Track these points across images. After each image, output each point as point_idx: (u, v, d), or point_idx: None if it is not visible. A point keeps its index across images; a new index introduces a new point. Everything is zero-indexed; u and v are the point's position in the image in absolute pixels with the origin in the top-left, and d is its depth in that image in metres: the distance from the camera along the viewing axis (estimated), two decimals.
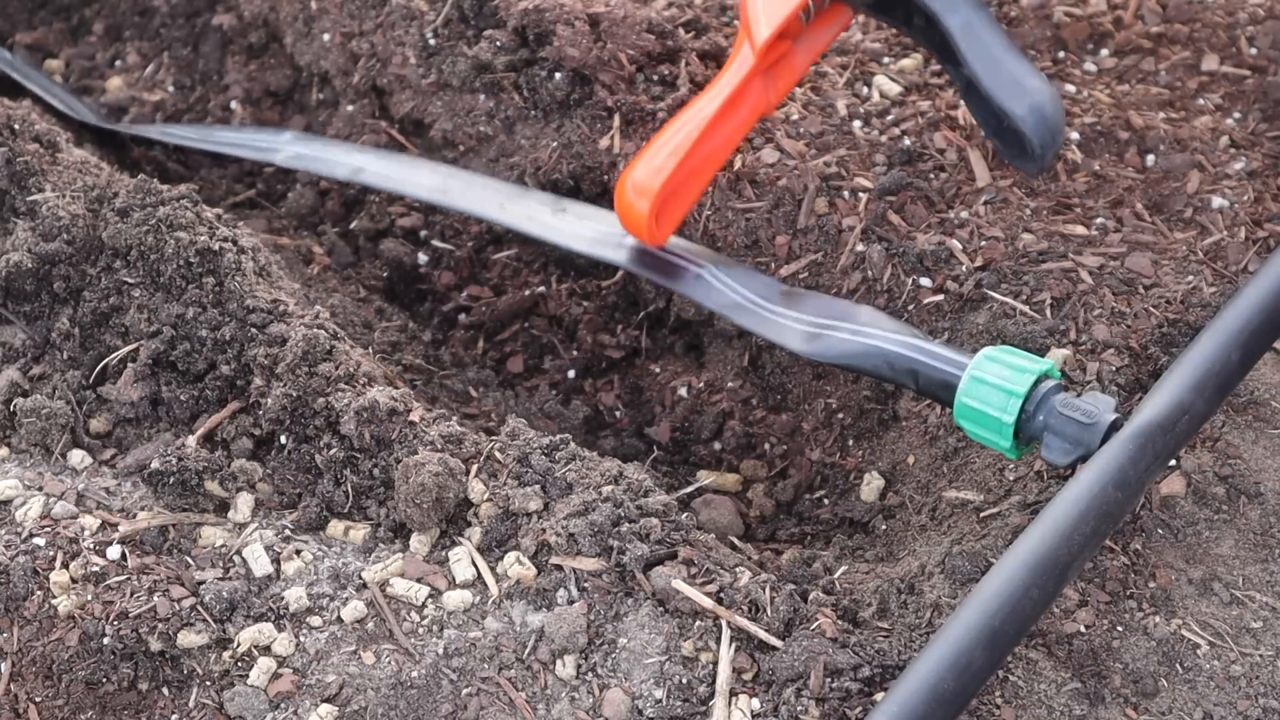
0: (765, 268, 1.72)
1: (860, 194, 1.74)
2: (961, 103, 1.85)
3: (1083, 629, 1.31)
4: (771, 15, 1.59)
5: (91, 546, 1.35)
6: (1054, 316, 1.56)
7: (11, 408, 1.51)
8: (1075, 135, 1.80)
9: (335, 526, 1.43)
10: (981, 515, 1.43)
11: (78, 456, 1.50)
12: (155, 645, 1.29)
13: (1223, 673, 1.29)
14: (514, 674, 1.28)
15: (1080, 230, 1.67)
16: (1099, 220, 1.69)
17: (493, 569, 1.36)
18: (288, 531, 1.42)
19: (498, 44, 1.93)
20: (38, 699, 1.29)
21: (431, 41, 1.99)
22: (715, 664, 1.27)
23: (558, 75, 1.88)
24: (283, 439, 1.49)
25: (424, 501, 1.37)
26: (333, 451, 1.45)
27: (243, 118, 2.21)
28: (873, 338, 1.43)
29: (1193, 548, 1.38)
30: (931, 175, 1.76)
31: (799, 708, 1.24)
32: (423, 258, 2.03)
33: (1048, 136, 1.56)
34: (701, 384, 1.84)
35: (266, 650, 1.30)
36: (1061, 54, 1.92)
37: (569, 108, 1.89)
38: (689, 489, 1.57)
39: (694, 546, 1.35)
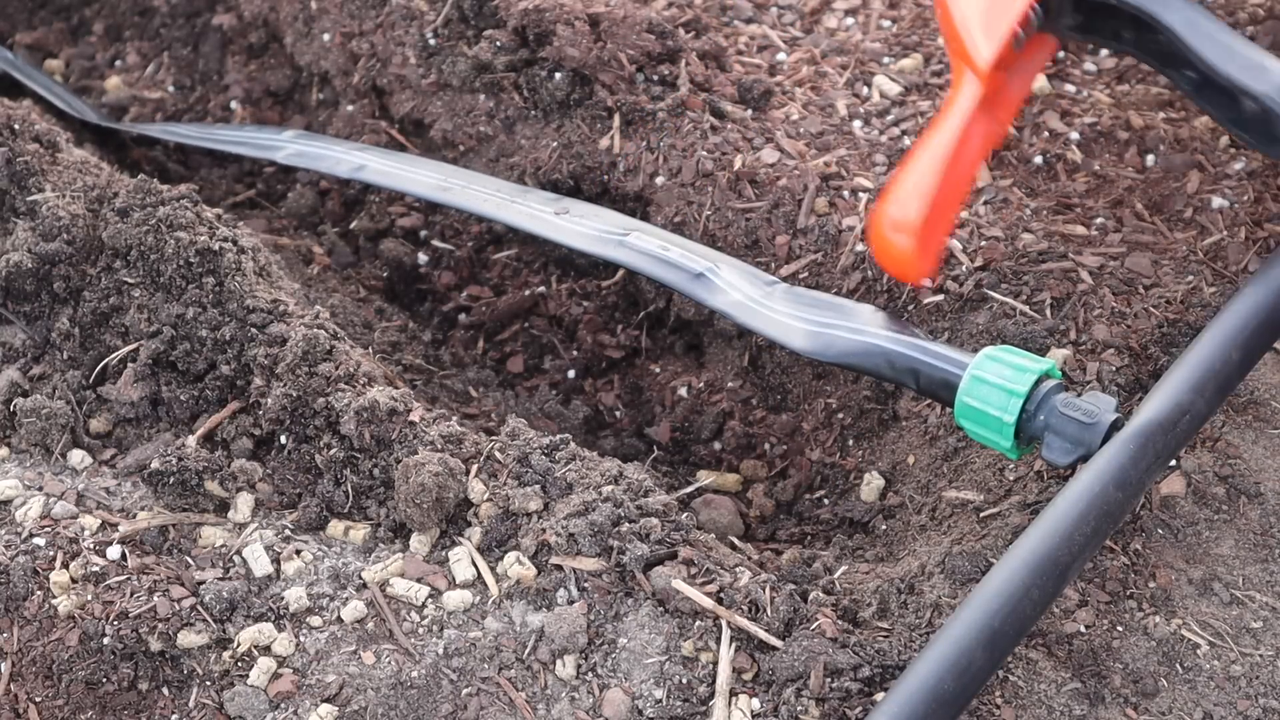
0: (765, 268, 1.72)
1: (860, 194, 1.74)
2: None
3: (1083, 629, 1.31)
4: (990, 39, 1.54)
5: (91, 546, 1.35)
6: (1054, 316, 1.56)
7: (11, 408, 1.51)
8: (1075, 135, 1.80)
9: (335, 526, 1.43)
10: (981, 515, 1.43)
11: (78, 456, 1.50)
12: (155, 645, 1.29)
13: (1223, 673, 1.29)
14: (514, 674, 1.28)
15: (1080, 230, 1.67)
16: (1099, 220, 1.69)
17: (493, 569, 1.36)
18: (288, 531, 1.42)
19: (498, 44, 1.93)
20: (38, 699, 1.29)
21: (431, 41, 1.99)
22: (715, 664, 1.27)
23: (558, 75, 1.88)
24: (283, 439, 1.49)
25: (424, 501, 1.37)
26: (333, 451, 1.45)
27: (243, 117, 2.21)
28: (874, 337, 1.43)
29: (1193, 548, 1.38)
30: None
31: (799, 708, 1.24)
32: (423, 258, 2.03)
33: None
34: (701, 384, 1.84)
35: (266, 650, 1.30)
36: (1061, 54, 1.92)
37: (569, 108, 1.89)
38: (689, 489, 1.56)
39: (694, 546, 1.35)
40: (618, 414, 1.84)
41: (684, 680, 1.27)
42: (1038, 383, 1.32)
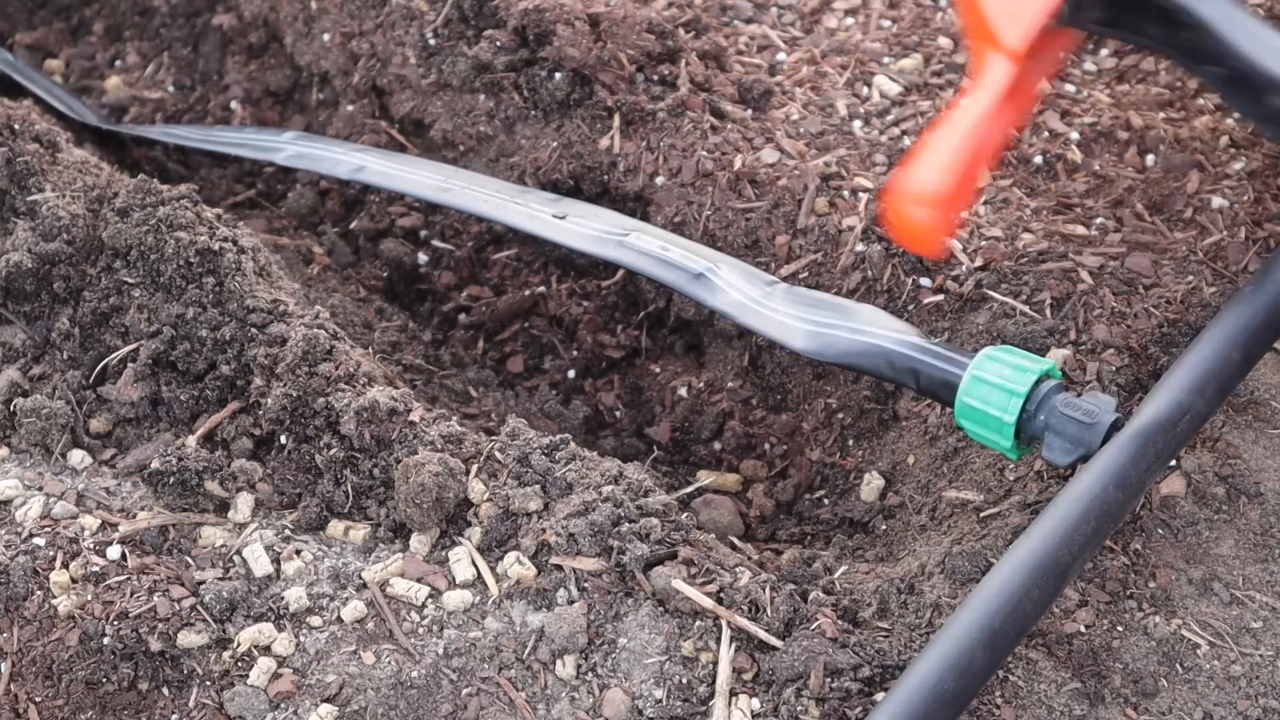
0: (765, 268, 1.72)
1: (860, 194, 1.74)
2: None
3: (1083, 629, 1.31)
4: (1023, 21, 1.53)
5: (91, 546, 1.35)
6: (1054, 316, 1.56)
7: (11, 408, 1.51)
8: (1075, 135, 1.80)
9: (335, 526, 1.43)
10: (981, 515, 1.43)
11: (78, 456, 1.50)
12: (155, 645, 1.29)
13: (1223, 673, 1.29)
14: (514, 674, 1.28)
15: (1080, 230, 1.67)
16: (1099, 220, 1.69)
17: (493, 569, 1.36)
18: (288, 531, 1.42)
19: (498, 44, 1.93)
20: (38, 699, 1.29)
21: (431, 41, 1.99)
22: (715, 664, 1.27)
23: (558, 75, 1.88)
24: (283, 439, 1.49)
25: (424, 501, 1.37)
26: (333, 451, 1.45)
27: (243, 118, 2.21)
28: (874, 337, 1.43)
29: (1193, 548, 1.38)
30: None
31: (799, 708, 1.24)
32: (423, 258, 2.03)
33: None
34: (701, 384, 1.84)
35: (266, 650, 1.30)
36: (1061, 54, 1.92)
37: (569, 108, 1.89)
38: (689, 489, 1.56)
39: (694, 546, 1.35)
40: (618, 414, 1.84)
41: (684, 680, 1.27)
42: (1038, 383, 1.32)
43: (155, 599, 1.31)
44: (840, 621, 1.30)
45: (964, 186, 1.49)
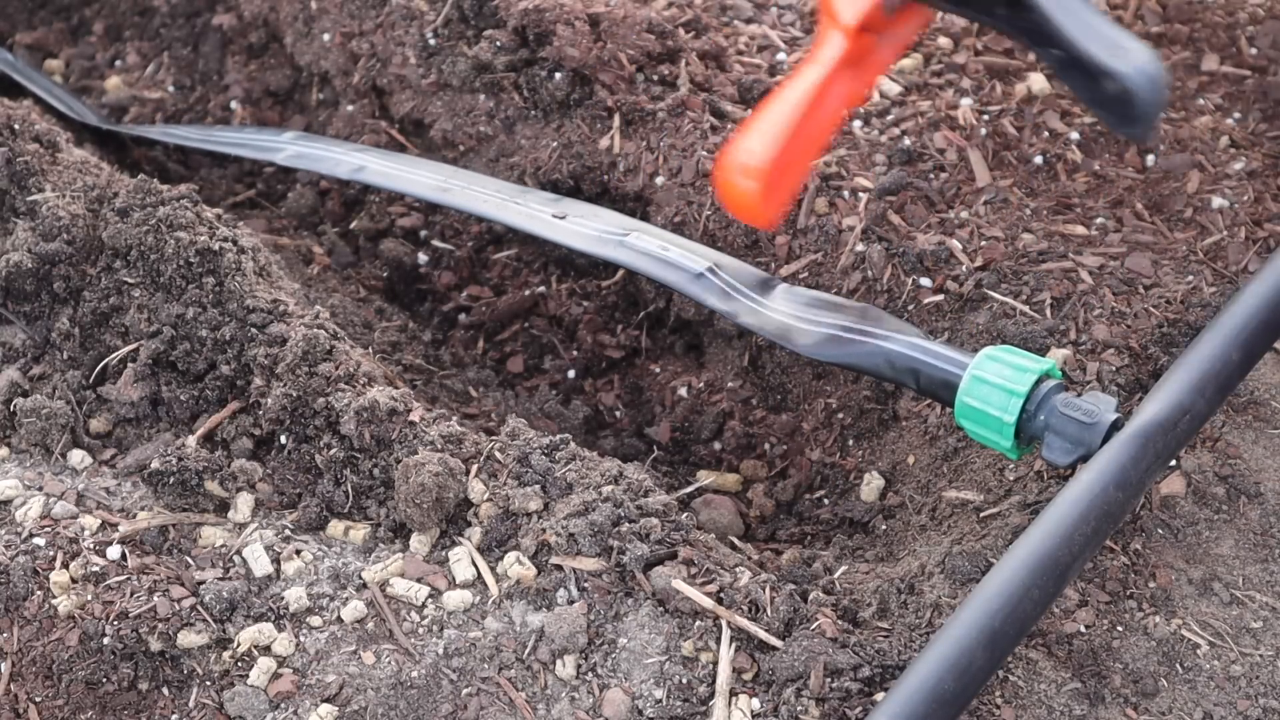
0: (765, 268, 1.72)
1: (860, 194, 1.74)
2: (962, 102, 1.85)
3: (1083, 629, 1.31)
4: (856, 1, 1.55)
5: (91, 546, 1.35)
6: (1054, 316, 1.56)
7: (11, 408, 1.51)
8: (1075, 135, 1.80)
9: (335, 526, 1.43)
10: (981, 515, 1.43)
11: (78, 456, 1.50)
12: (155, 645, 1.29)
13: (1223, 673, 1.29)
14: (514, 674, 1.28)
15: (1080, 230, 1.67)
16: (1099, 220, 1.69)
17: (493, 569, 1.36)
18: (288, 531, 1.42)
19: (498, 44, 1.93)
20: (38, 699, 1.29)
21: (431, 41, 1.99)
22: (715, 664, 1.27)
23: (558, 75, 1.88)
24: (283, 439, 1.49)
25: (424, 501, 1.37)
26: (333, 451, 1.45)
27: (243, 118, 2.21)
28: (874, 337, 1.43)
29: (1193, 548, 1.38)
30: (931, 175, 1.76)
31: (799, 708, 1.24)
32: (423, 258, 2.03)
33: (1153, 93, 1.51)
34: (701, 384, 1.84)
35: (266, 650, 1.30)
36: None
37: (569, 108, 1.89)
38: (689, 489, 1.56)
39: (694, 546, 1.35)
40: (618, 414, 1.84)
41: (684, 680, 1.27)
42: (1038, 383, 1.32)
43: (155, 599, 1.31)
44: (840, 621, 1.30)
45: (792, 159, 1.51)
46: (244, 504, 1.45)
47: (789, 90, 1.54)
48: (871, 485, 1.60)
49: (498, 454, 1.43)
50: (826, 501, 1.65)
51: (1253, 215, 1.68)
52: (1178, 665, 1.30)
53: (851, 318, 1.48)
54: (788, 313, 1.50)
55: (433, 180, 1.78)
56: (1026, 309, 1.57)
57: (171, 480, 1.43)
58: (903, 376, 1.41)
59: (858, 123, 1.85)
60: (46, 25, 2.39)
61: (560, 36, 1.87)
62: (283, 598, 1.33)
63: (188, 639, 1.29)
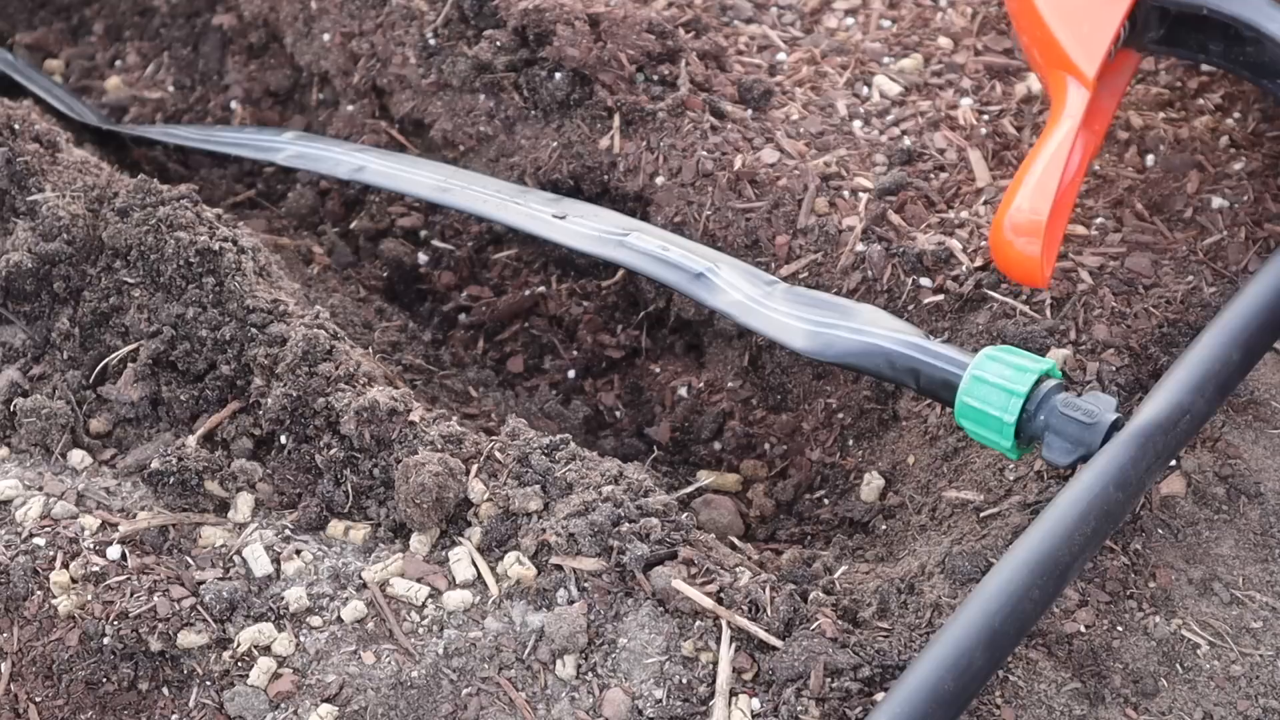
0: (765, 268, 1.72)
1: (860, 194, 1.74)
2: (962, 102, 1.85)
3: (1083, 629, 1.31)
4: (1094, 50, 1.55)
5: (91, 546, 1.35)
6: (1054, 316, 1.56)
7: (11, 408, 1.51)
8: None
9: (335, 526, 1.43)
10: (981, 515, 1.43)
11: (78, 456, 1.49)
12: (155, 645, 1.29)
13: (1223, 673, 1.29)
14: (514, 674, 1.28)
15: (1080, 230, 1.67)
16: (1099, 220, 1.69)
17: (493, 569, 1.36)
18: (288, 531, 1.42)
19: (498, 44, 1.93)
20: (38, 699, 1.29)
21: (431, 41, 1.99)
22: (715, 664, 1.27)
23: (558, 75, 1.88)
24: (283, 439, 1.49)
25: (424, 501, 1.37)
26: (333, 451, 1.45)
27: (243, 118, 2.21)
28: (874, 336, 1.43)
29: (1193, 548, 1.38)
30: (931, 175, 1.76)
31: (799, 708, 1.24)
32: (423, 258, 2.03)
33: None
34: (701, 384, 1.84)
35: (266, 650, 1.30)
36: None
37: (569, 108, 1.89)
38: (689, 489, 1.56)
39: (694, 546, 1.35)
40: (618, 414, 1.84)
41: (684, 680, 1.27)
42: (1038, 383, 1.32)
43: (155, 599, 1.31)
44: (840, 621, 1.30)
45: (1060, 214, 1.51)
46: (244, 504, 1.45)
47: (1047, 147, 1.52)
48: (871, 485, 1.60)
49: (498, 454, 1.43)
50: (826, 501, 1.65)
51: (1253, 215, 1.68)
52: (1178, 665, 1.30)
53: (851, 318, 1.48)
54: (787, 313, 1.50)
55: (433, 180, 1.79)
56: (1026, 309, 1.57)
57: (171, 480, 1.43)
58: (903, 377, 1.41)
59: (858, 123, 1.85)
60: (46, 25, 2.39)
61: (560, 36, 1.87)
62: (283, 598, 1.33)
63: (188, 639, 1.29)
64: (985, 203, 1.72)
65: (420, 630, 1.31)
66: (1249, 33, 1.53)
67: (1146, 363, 1.50)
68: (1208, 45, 1.62)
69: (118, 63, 2.33)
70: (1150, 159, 1.77)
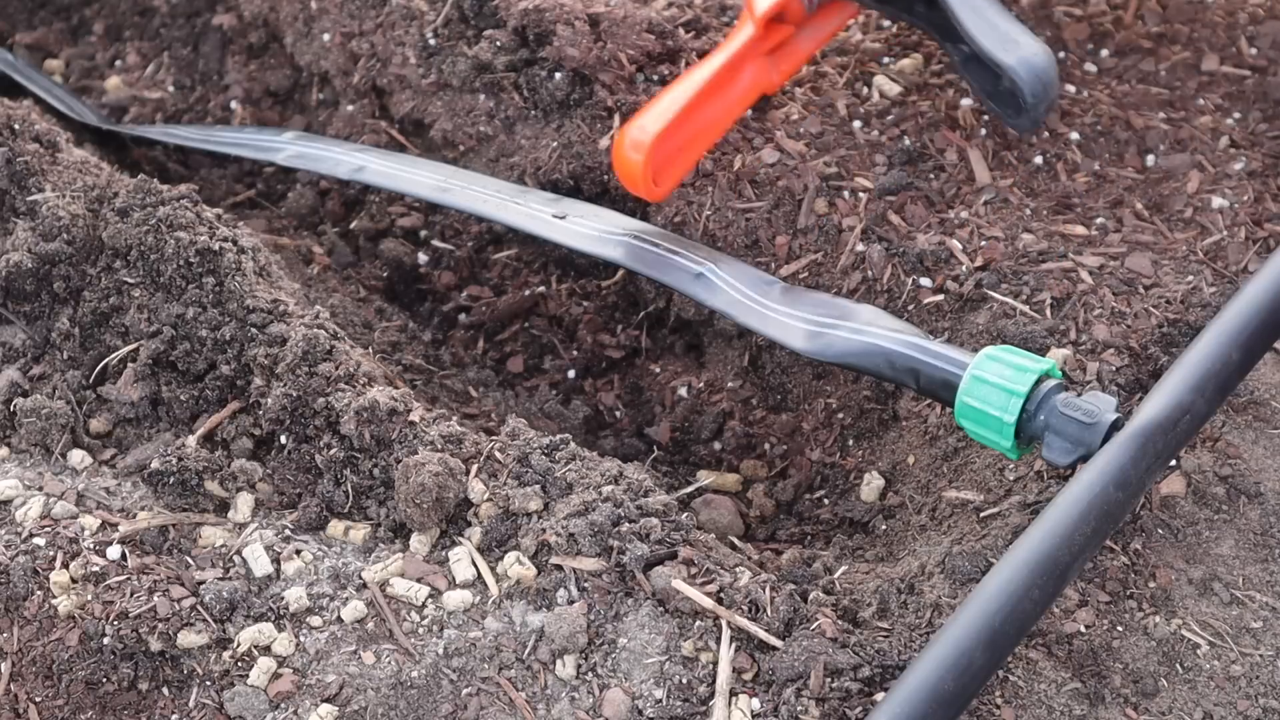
0: (765, 268, 1.72)
1: (860, 194, 1.74)
2: (962, 103, 1.85)
3: (1083, 629, 1.31)
4: None
5: (91, 546, 1.35)
6: (1054, 316, 1.56)
7: (11, 408, 1.51)
8: (1075, 135, 1.80)
9: (335, 526, 1.43)
10: (981, 515, 1.43)
11: (78, 456, 1.50)
12: (155, 645, 1.29)
13: (1223, 673, 1.29)
14: (514, 674, 1.28)
15: (1080, 230, 1.67)
16: (1099, 220, 1.69)
17: (493, 569, 1.36)
18: (288, 531, 1.42)
19: (498, 44, 1.93)
20: (38, 699, 1.29)
21: (431, 41, 1.99)
22: (715, 664, 1.27)
23: (558, 75, 1.88)
24: (283, 439, 1.49)
25: (424, 501, 1.37)
26: (333, 451, 1.45)
27: (243, 118, 2.21)
28: (874, 336, 1.43)
29: (1193, 548, 1.38)
30: (931, 175, 1.76)
31: (799, 708, 1.24)
32: (423, 258, 2.03)
33: (1039, 87, 1.64)
34: (701, 384, 1.84)
35: (266, 650, 1.30)
36: (1062, 54, 1.92)
37: (569, 108, 1.89)
38: (689, 489, 1.56)
39: (694, 546, 1.35)
40: (618, 414, 1.84)
41: (684, 680, 1.27)
42: (1038, 383, 1.32)
43: (155, 599, 1.31)
44: (840, 621, 1.30)
45: (686, 139, 1.66)
46: (244, 504, 1.45)
47: (692, 74, 1.67)
48: (871, 485, 1.60)
49: (498, 454, 1.43)
50: (826, 501, 1.65)
51: (1253, 215, 1.68)
52: (1178, 665, 1.30)
53: (851, 318, 1.48)
54: (787, 313, 1.50)
55: (433, 180, 1.79)
56: (1026, 309, 1.57)
57: (171, 480, 1.43)
58: (903, 376, 1.41)
59: (858, 123, 1.85)
60: (46, 25, 2.39)
61: (560, 36, 1.87)
62: (283, 598, 1.33)
63: (188, 639, 1.29)
64: (985, 203, 1.72)
65: (420, 630, 1.31)
66: None
67: (1146, 363, 1.51)
68: (912, 6, 1.77)
69: (118, 63, 2.33)
70: (1150, 159, 1.77)
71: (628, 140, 1.62)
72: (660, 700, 1.26)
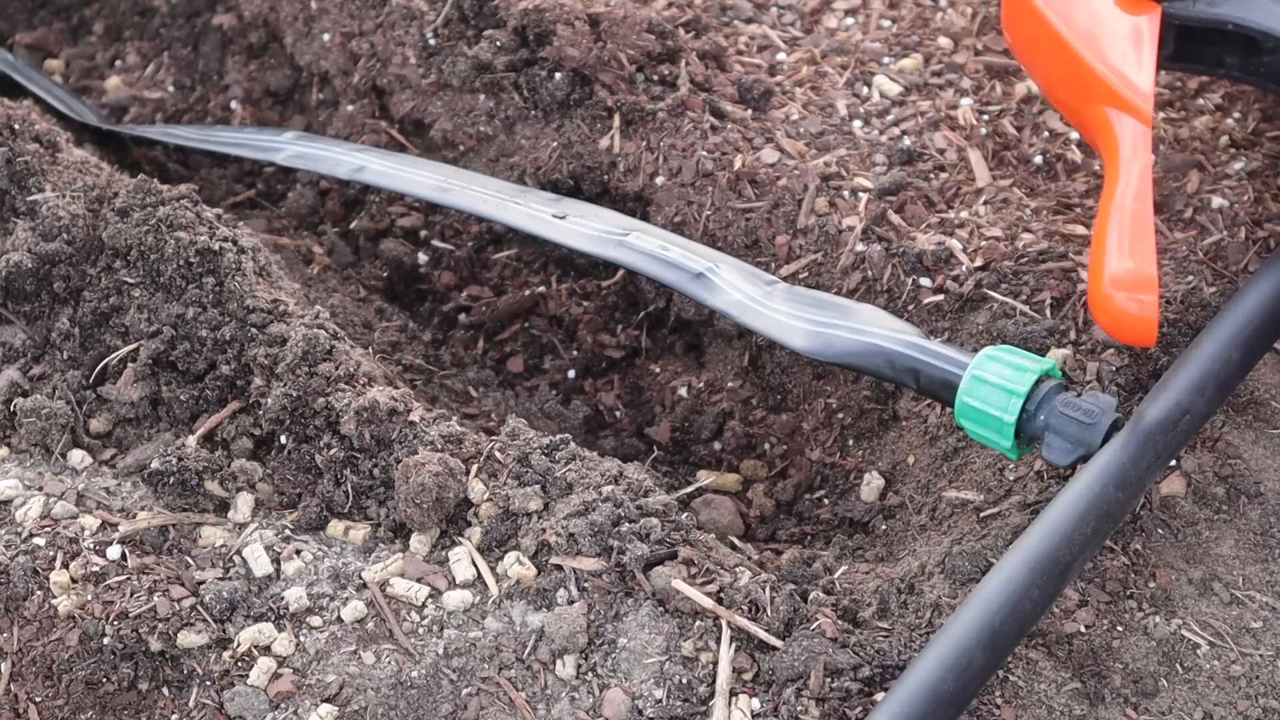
0: (765, 268, 1.72)
1: (860, 194, 1.74)
2: (962, 102, 1.85)
3: (1083, 629, 1.31)
4: (1140, 79, 1.42)
5: (91, 546, 1.35)
6: (1054, 316, 1.56)
7: (11, 408, 1.51)
8: (1075, 135, 1.80)
9: (335, 526, 1.43)
10: (981, 515, 1.43)
11: (78, 456, 1.50)
12: (155, 645, 1.29)
13: (1223, 673, 1.29)
14: (514, 674, 1.28)
15: (1080, 230, 1.67)
16: None
17: (493, 569, 1.36)
18: (288, 531, 1.42)
19: (498, 44, 1.93)
20: (38, 699, 1.29)
21: (431, 41, 1.99)
22: (715, 664, 1.27)
23: (558, 75, 1.88)
24: (283, 439, 1.49)
25: (424, 501, 1.37)
26: (333, 451, 1.45)
27: (243, 118, 2.21)
28: (874, 336, 1.43)
29: (1193, 548, 1.38)
30: (931, 175, 1.76)
31: (799, 708, 1.24)
32: (423, 258, 2.03)
33: None
34: (701, 384, 1.84)
35: (266, 650, 1.30)
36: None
37: (569, 108, 1.89)
38: (689, 489, 1.56)
39: (694, 546, 1.35)
40: (618, 414, 1.84)
41: (684, 680, 1.27)
42: (1038, 382, 1.32)
43: (155, 599, 1.31)
44: (840, 621, 1.30)
45: (1156, 261, 1.37)
46: (244, 504, 1.45)
47: (1124, 194, 1.39)
48: (871, 485, 1.60)
49: (498, 454, 1.43)
50: (826, 501, 1.65)
51: (1253, 215, 1.68)
52: (1178, 665, 1.30)
53: (851, 318, 1.48)
54: (787, 313, 1.50)
55: (433, 180, 1.79)
56: (1026, 309, 1.57)
57: (171, 480, 1.43)
58: (903, 376, 1.41)
59: (858, 123, 1.85)
60: (46, 25, 2.39)
61: (560, 36, 1.87)
62: (283, 598, 1.33)
63: (188, 639, 1.29)
64: (985, 203, 1.72)
65: (420, 630, 1.31)
66: (1270, 43, 1.48)
67: (1146, 363, 1.50)
68: (1224, 58, 1.55)
69: (118, 63, 2.33)
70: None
71: (1124, 283, 1.33)
72: (660, 700, 1.26)
